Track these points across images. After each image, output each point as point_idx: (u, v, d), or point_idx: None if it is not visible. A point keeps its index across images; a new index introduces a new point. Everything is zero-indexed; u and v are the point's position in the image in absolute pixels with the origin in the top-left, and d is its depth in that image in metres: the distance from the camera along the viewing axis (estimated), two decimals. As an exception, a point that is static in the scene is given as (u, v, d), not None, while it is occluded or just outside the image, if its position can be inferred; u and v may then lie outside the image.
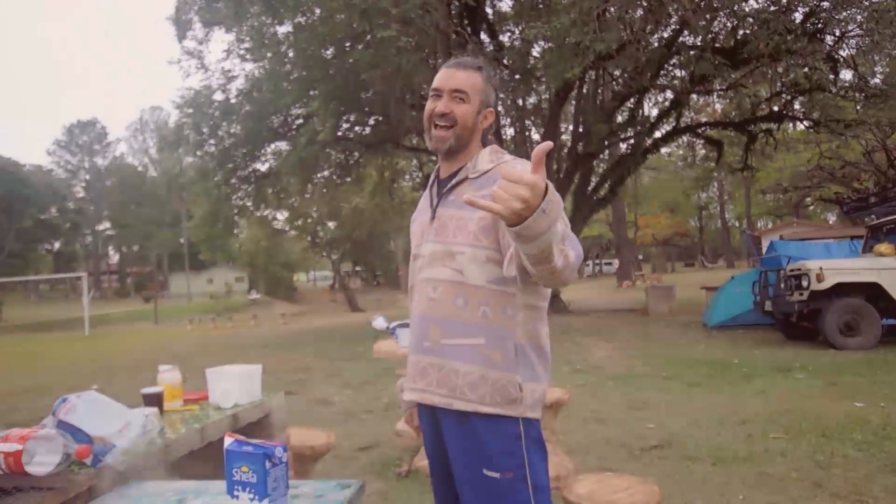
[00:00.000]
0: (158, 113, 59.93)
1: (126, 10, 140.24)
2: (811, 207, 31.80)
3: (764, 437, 3.82)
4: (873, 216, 8.93)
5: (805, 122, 14.20)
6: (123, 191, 59.18)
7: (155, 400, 1.80)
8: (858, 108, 12.72)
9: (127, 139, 65.45)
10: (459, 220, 1.39)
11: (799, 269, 7.87)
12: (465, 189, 1.40)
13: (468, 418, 1.33)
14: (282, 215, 26.87)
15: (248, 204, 16.40)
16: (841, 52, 11.51)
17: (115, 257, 69.26)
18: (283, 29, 11.89)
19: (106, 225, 64.16)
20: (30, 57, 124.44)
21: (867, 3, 10.16)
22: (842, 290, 7.44)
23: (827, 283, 7.42)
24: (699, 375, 6.10)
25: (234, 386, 1.91)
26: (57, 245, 54.34)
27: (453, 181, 1.44)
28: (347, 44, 11.29)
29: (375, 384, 6.66)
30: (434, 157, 17.04)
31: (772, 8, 10.62)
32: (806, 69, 9.98)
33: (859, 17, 10.86)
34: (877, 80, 12.18)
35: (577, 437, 4.06)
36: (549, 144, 1.02)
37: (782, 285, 8.15)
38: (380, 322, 3.47)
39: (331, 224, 33.86)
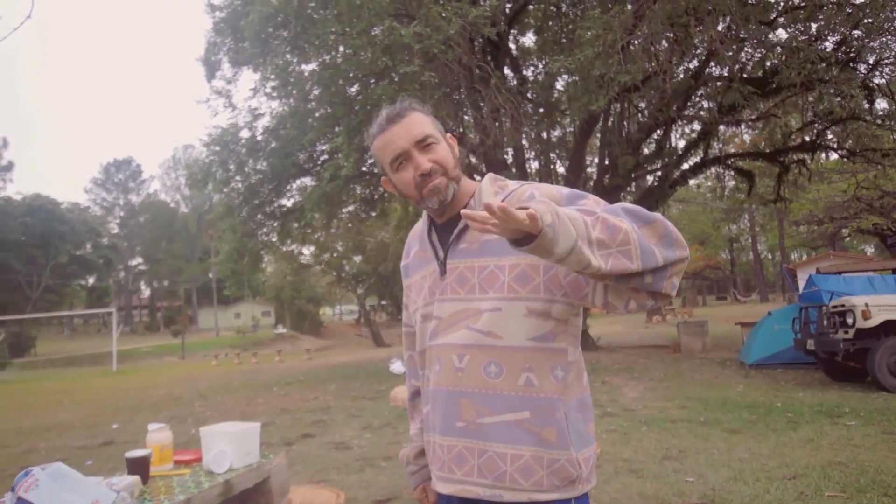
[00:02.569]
0: (190, 151, 61.64)
1: (161, 52, 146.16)
2: (847, 239, 30.83)
3: (818, 495, 3.47)
4: (919, 249, 8.48)
5: (839, 152, 13.80)
6: (156, 227, 60.60)
7: (140, 465, 1.63)
8: (894, 136, 12.32)
9: (160, 176, 67.56)
10: (484, 272, 1.17)
11: (843, 306, 7.45)
12: (476, 233, 1.19)
13: None
14: (308, 250, 27.08)
15: (274, 239, 16.47)
16: (875, 80, 11.20)
17: (146, 292, 70.56)
18: (309, 67, 12.06)
19: (138, 260, 65.62)
20: (71, 98, 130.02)
21: (902, 31, 9.91)
22: (891, 327, 7.00)
23: (874, 321, 6.99)
24: (739, 420, 5.71)
25: (229, 448, 1.73)
26: (91, 280, 55.50)
27: (460, 226, 1.22)
28: (371, 80, 11.38)
29: (396, 427, 6.41)
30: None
31: (801, 37, 10.41)
32: (839, 98, 9.69)
33: (893, 45, 10.59)
34: (914, 108, 11.79)
35: (610, 492, 3.75)
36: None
37: (825, 322, 7.72)
38: (397, 366, 3.30)
39: (356, 258, 34.03)
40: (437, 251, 1.26)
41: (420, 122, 1.21)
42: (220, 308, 57.89)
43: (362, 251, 32.13)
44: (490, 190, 1.24)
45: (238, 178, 13.88)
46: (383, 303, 56.58)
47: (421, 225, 1.36)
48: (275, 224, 15.69)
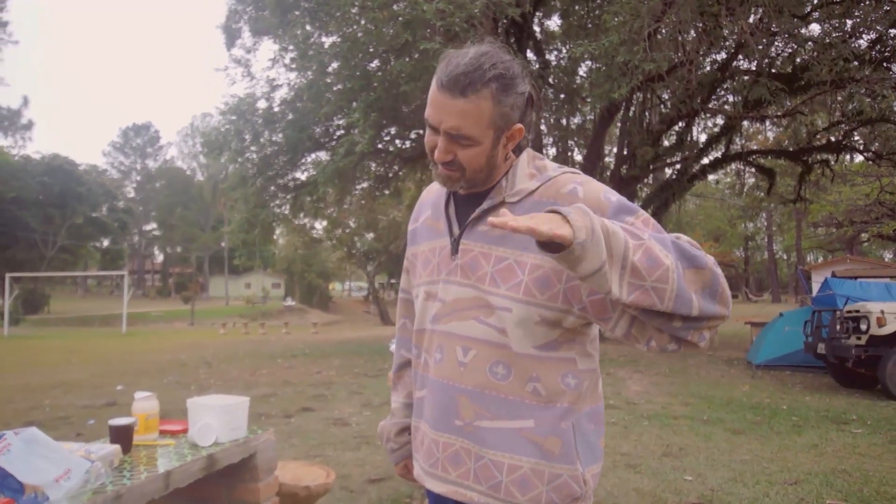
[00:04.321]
0: (209, 119, 61.75)
1: (184, 18, 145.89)
2: (866, 243, 30.35)
3: (819, 503, 3.40)
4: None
5: (865, 154, 13.49)
6: (171, 193, 61.02)
7: (123, 433, 1.58)
8: (924, 141, 12.01)
9: (178, 143, 67.78)
10: (501, 263, 1.04)
11: (857, 311, 7.31)
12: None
13: None
14: (320, 224, 27.12)
15: (287, 212, 16.47)
16: (909, 82, 10.88)
17: (159, 257, 71.32)
18: (329, 40, 11.92)
19: (152, 225, 66.24)
20: (93, 61, 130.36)
21: (941, 31, 9.58)
22: (905, 336, 6.86)
23: (889, 329, 6.85)
24: (743, 421, 5.63)
25: (215, 421, 1.69)
26: (105, 243, 56.14)
27: (485, 206, 1.08)
28: (391, 56, 11.25)
29: (396, 406, 6.40)
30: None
31: (835, 33, 10.11)
32: (870, 98, 9.42)
33: (931, 45, 10.26)
34: (947, 113, 11.46)
35: (606, 485, 3.71)
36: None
37: (838, 327, 7.58)
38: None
39: (368, 236, 34.08)
40: (452, 226, 1.13)
41: (470, 117, 0.99)
42: (231, 277, 58.44)
43: (374, 229, 32.16)
44: (526, 171, 1.09)
45: (253, 148, 13.84)
46: (392, 281, 56.75)
47: (437, 189, 1.20)
48: (287, 197, 15.67)
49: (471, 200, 1.11)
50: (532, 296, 1.01)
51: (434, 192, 1.22)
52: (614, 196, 1.03)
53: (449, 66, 1.00)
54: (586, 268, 0.83)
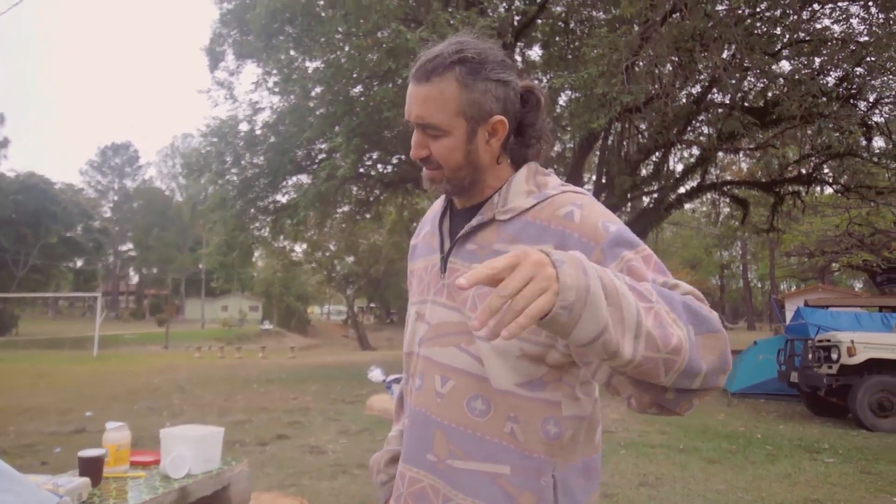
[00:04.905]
0: (189, 140, 61.47)
1: (167, 40, 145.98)
2: (837, 273, 31.04)
3: (792, 533, 3.43)
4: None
5: (834, 187, 13.88)
6: (148, 213, 60.29)
7: (92, 465, 1.56)
8: (890, 175, 12.40)
9: (157, 164, 67.23)
10: (484, 287, 0.89)
11: (828, 341, 7.45)
12: (491, 237, 0.95)
13: None
14: (300, 247, 26.97)
15: (266, 234, 16.38)
16: (874, 118, 11.28)
17: (134, 278, 70.10)
18: (312, 65, 12.03)
19: (128, 246, 65.22)
20: (73, 80, 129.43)
21: (903, 72, 9.98)
22: (874, 366, 7.01)
23: (858, 358, 6.99)
24: (718, 450, 5.67)
25: (189, 452, 1.67)
26: (79, 263, 55.07)
27: (474, 222, 0.97)
28: (374, 82, 11.36)
29: (374, 434, 6.33)
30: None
31: (804, 70, 10.48)
32: (838, 133, 9.75)
33: (894, 84, 10.67)
34: (911, 149, 11.88)
35: (584, 516, 3.69)
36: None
37: (810, 356, 7.72)
38: (376, 375, 3.25)
39: (348, 259, 33.96)
40: (444, 242, 1.04)
41: (435, 102, 0.92)
42: (208, 300, 57.58)
43: (354, 252, 32.07)
44: (523, 187, 0.97)
45: (234, 170, 13.80)
46: (372, 305, 56.45)
47: (439, 203, 1.11)
48: (268, 219, 15.60)
49: (466, 215, 1.02)
50: None
51: (436, 206, 1.13)
52: (614, 226, 0.90)
53: (418, 60, 0.95)
54: (578, 336, 0.69)
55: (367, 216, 18.38)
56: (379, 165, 15.67)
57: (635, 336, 0.71)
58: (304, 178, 14.81)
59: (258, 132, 13.56)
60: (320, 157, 14.10)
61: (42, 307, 58.34)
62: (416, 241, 1.15)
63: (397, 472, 1.05)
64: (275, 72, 11.99)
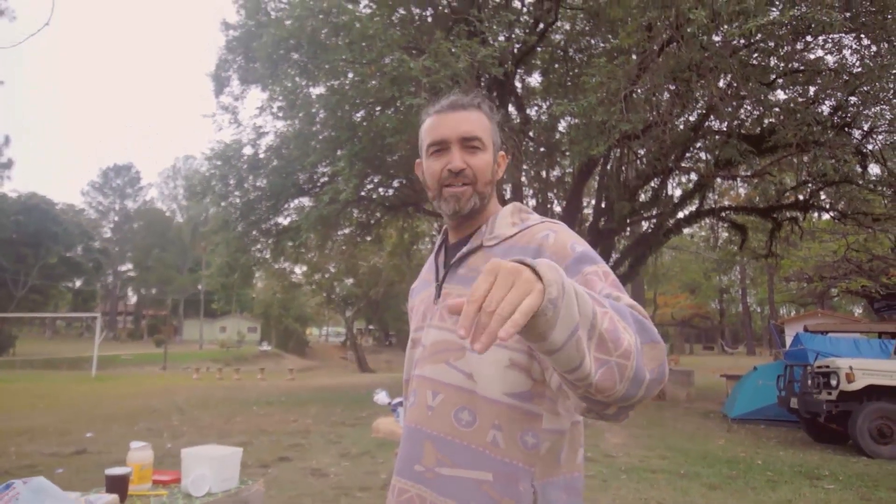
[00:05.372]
0: (191, 162, 61.89)
1: (170, 62, 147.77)
2: (836, 298, 31.10)
3: (792, 558, 3.46)
4: (905, 315, 8.58)
5: (831, 213, 14.03)
6: (149, 234, 60.38)
7: (119, 484, 1.63)
8: (886, 202, 12.56)
9: (159, 185, 67.55)
10: None
11: (827, 367, 7.51)
12: (479, 261, 1.09)
13: None
14: (299, 269, 27.03)
15: (267, 256, 16.47)
16: (869, 146, 11.47)
17: (132, 299, 69.94)
18: (316, 91, 12.25)
19: (128, 266, 65.22)
20: (76, 100, 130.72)
21: (896, 101, 10.19)
22: (873, 392, 7.05)
23: (857, 385, 7.04)
24: (719, 476, 5.69)
25: (209, 472, 1.73)
26: (78, 283, 55.01)
27: (464, 250, 1.12)
28: (377, 108, 11.56)
29: (375, 456, 6.34)
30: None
31: (799, 99, 10.69)
32: (833, 160, 9.92)
33: (888, 114, 10.88)
34: (906, 177, 12.05)
35: (586, 540, 3.72)
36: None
37: (809, 382, 7.76)
38: (381, 397, 3.30)
39: (348, 281, 33.99)
40: (439, 272, 1.17)
41: (477, 122, 1.13)
42: (207, 321, 57.36)
43: (354, 274, 32.12)
44: (508, 220, 1.13)
45: (237, 193, 13.94)
46: (371, 327, 56.29)
47: (438, 242, 1.26)
48: (269, 241, 15.71)
49: (455, 249, 1.16)
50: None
51: (432, 252, 1.27)
52: (580, 247, 1.03)
53: (442, 101, 1.17)
54: (559, 335, 0.71)
55: (368, 238, 18.50)
56: (380, 189, 15.84)
57: (588, 337, 0.75)
58: (306, 201, 14.97)
59: (261, 156, 13.74)
60: (322, 180, 14.26)
61: (39, 327, 58.12)
62: (416, 283, 1.29)
63: (389, 486, 1.13)
64: (280, 97, 12.20)
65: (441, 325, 1.10)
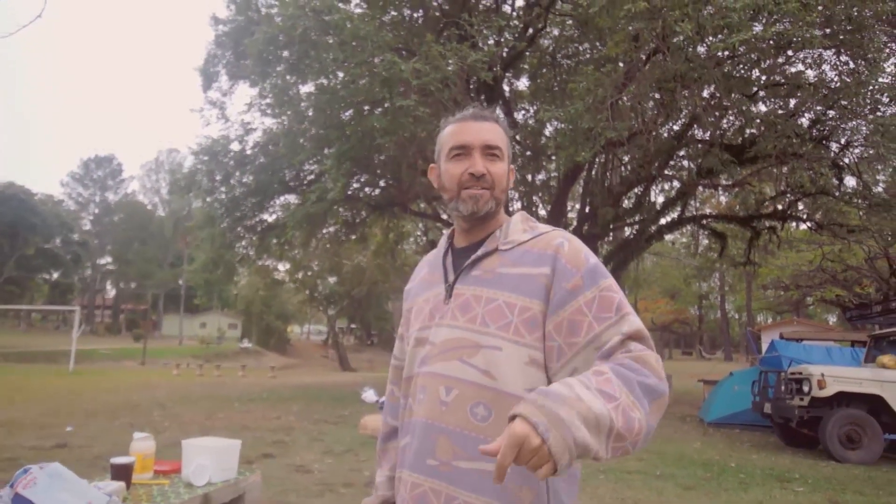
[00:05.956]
0: (175, 155, 61.20)
1: (156, 55, 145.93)
2: (812, 307, 31.73)
3: (761, 556, 3.60)
4: (876, 325, 8.85)
5: (808, 224, 14.37)
6: (129, 227, 59.57)
7: (124, 472, 1.70)
8: (861, 214, 12.91)
9: (140, 178, 66.52)
10: (491, 304, 1.11)
11: (800, 373, 7.72)
12: (495, 263, 1.15)
13: None
14: (283, 266, 26.94)
15: (251, 253, 16.43)
16: (845, 160, 11.78)
17: (111, 292, 68.94)
18: (306, 89, 12.27)
19: (107, 259, 64.25)
20: (58, 89, 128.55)
21: (871, 117, 10.49)
22: (843, 399, 7.28)
23: (828, 391, 7.26)
24: (694, 477, 5.86)
25: (210, 462, 1.81)
26: (55, 275, 54.16)
27: (479, 252, 1.17)
28: (366, 108, 11.63)
29: (358, 454, 6.41)
30: (440, 223, 17.38)
31: (780, 112, 10.96)
32: (811, 172, 10.19)
33: (864, 129, 11.19)
34: (880, 189, 12.40)
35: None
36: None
37: (783, 388, 7.99)
38: (369, 395, 3.37)
39: (331, 279, 33.91)
40: (448, 274, 1.21)
41: (498, 134, 1.21)
42: (187, 316, 56.77)
43: (338, 273, 32.06)
44: (520, 227, 1.20)
45: (223, 189, 13.91)
46: (353, 326, 56.16)
47: (436, 251, 1.31)
48: (254, 238, 15.68)
49: (466, 252, 1.21)
50: (521, 335, 1.07)
51: (432, 254, 1.33)
52: (593, 259, 1.13)
53: (464, 111, 1.25)
54: (579, 464, 0.92)
55: (353, 237, 18.51)
56: (367, 188, 15.88)
57: (607, 438, 0.89)
58: (292, 198, 14.97)
59: (249, 152, 13.72)
60: (309, 178, 14.28)
61: (14, 319, 57.06)
62: (411, 285, 1.33)
63: (398, 481, 1.17)
64: (269, 95, 12.20)
65: (453, 324, 1.13)
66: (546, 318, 1.08)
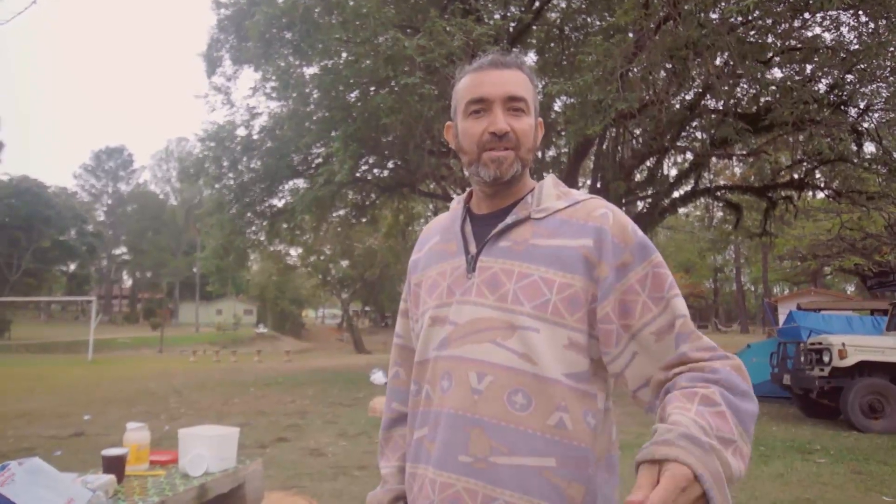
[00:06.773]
0: (184, 144, 61.35)
1: (162, 43, 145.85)
2: (829, 276, 31.31)
3: (784, 531, 3.52)
4: (898, 293, 8.64)
5: (826, 192, 14.06)
6: (142, 217, 60.09)
7: (115, 464, 1.63)
8: (881, 180, 12.58)
9: (151, 167, 66.88)
10: (525, 280, 0.96)
11: (820, 344, 7.57)
12: (527, 233, 1.00)
13: None
14: (295, 251, 27.01)
15: (262, 238, 16.45)
16: (864, 125, 11.44)
17: (128, 282, 69.82)
18: (310, 71, 12.11)
19: (122, 250, 64.97)
20: (68, 83, 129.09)
21: (892, 79, 10.14)
22: (865, 368, 7.13)
23: (850, 361, 7.11)
24: (713, 451, 5.77)
25: (207, 452, 1.74)
26: (72, 267, 54.86)
27: (508, 220, 1.02)
28: (371, 88, 11.46)
29: (372, 436, 6.39)
30: (450, 203, 17.11)
31: (796, 77, 10.63)
32: (829, 139, 9.89)
33: (884, 92, 10.83)
34: (900, 155, 12.05)
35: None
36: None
37: (802, 359, 7.83)
38: (379, 377, 3.31)
39: (343, 263, 34.00)
40: (469, 244, 1.05)
41: (522, 83, 1.03)
42: (202, 303, 57.41)
43: (349, 256, 32.12)
44: (553, 192, 1.06)
45: (231, 175, 13.87)
46: (367, 309, 56.44)
47: (448, 216, 1.14)
48: (264, 223, 15.68)
49: (489, 220, 1.06)
50: (561, 316, 0.94)
51: (441, 221, 1.17)
52: (640, 233, 0.99)
53: (481, 58, 1.06)
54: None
55: (363, 220, 18.46)
56: (375, 170, 15.76)
57: (739, 458, 0.78)
58: (301, 183, 14.90)
59: (255, 137, 13.64)
60: (317, 161, 14.18)
61: (34, 311, 58.02)
62: (419, 255, 1.16)
63: (413, 477, 1.03)
64: (273, 77, 12.07)
65: (481, 301, 0.99)
66: (595, 299, 0.95)
